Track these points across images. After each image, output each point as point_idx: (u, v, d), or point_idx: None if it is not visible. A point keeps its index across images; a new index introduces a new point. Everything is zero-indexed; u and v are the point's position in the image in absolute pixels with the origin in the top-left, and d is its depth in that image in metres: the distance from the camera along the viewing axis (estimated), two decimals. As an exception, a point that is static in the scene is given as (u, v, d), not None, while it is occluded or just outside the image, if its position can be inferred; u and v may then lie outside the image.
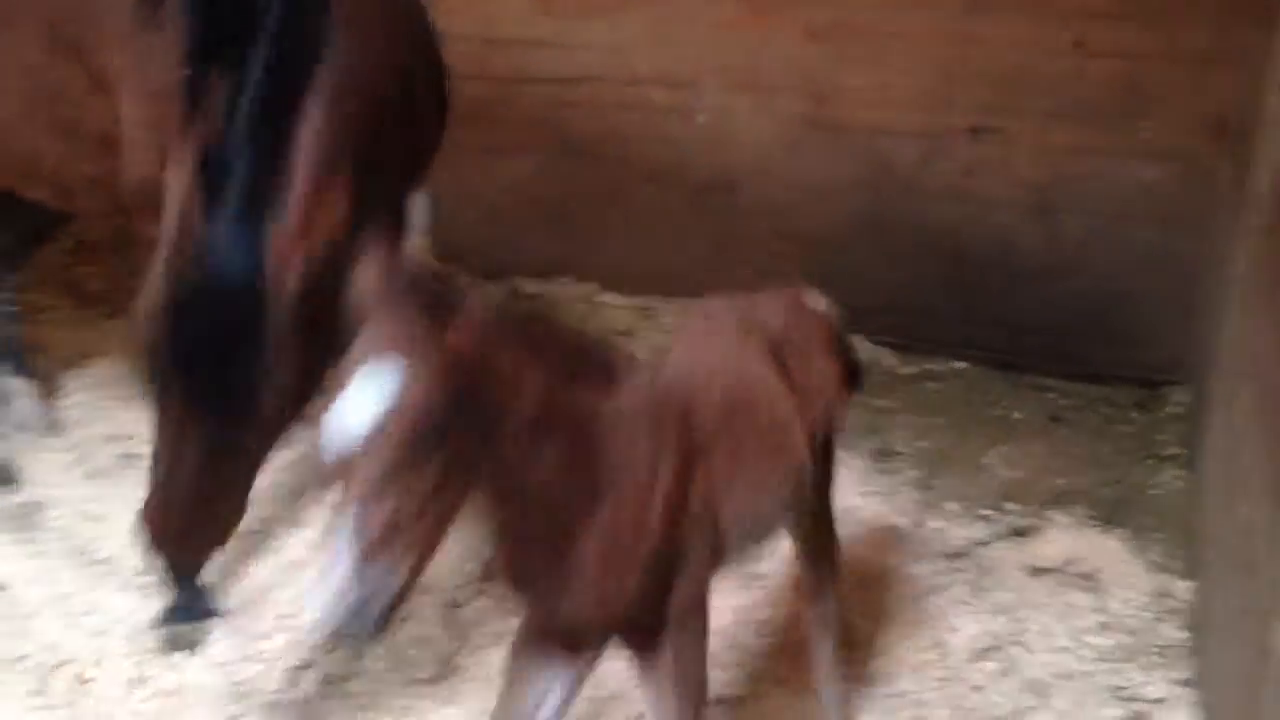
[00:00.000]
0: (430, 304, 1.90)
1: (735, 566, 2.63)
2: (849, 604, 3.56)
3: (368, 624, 1.85)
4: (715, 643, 2.46)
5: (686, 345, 2.69)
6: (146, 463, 4.03)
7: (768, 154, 5.24)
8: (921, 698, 3.26)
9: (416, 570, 1.89)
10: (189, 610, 3.44)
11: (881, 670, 3.35)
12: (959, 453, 4.45)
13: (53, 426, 4.37)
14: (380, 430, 1.82)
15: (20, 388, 4.41)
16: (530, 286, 5.64)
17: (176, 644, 3.38)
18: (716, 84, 5.26)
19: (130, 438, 4.28)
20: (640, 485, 2.22)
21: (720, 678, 3.29)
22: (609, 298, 5.56)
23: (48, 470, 4.13)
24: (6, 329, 4.45)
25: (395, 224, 3.63)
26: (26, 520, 3.88)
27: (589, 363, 2.21)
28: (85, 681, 3.25)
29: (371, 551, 1.82)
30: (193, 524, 3.27)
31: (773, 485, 2.58)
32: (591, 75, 5.36)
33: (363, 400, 1.84)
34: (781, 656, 3.41)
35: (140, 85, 3.09)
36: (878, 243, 5.16)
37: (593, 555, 2.17)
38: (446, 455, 1.86)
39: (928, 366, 5.06)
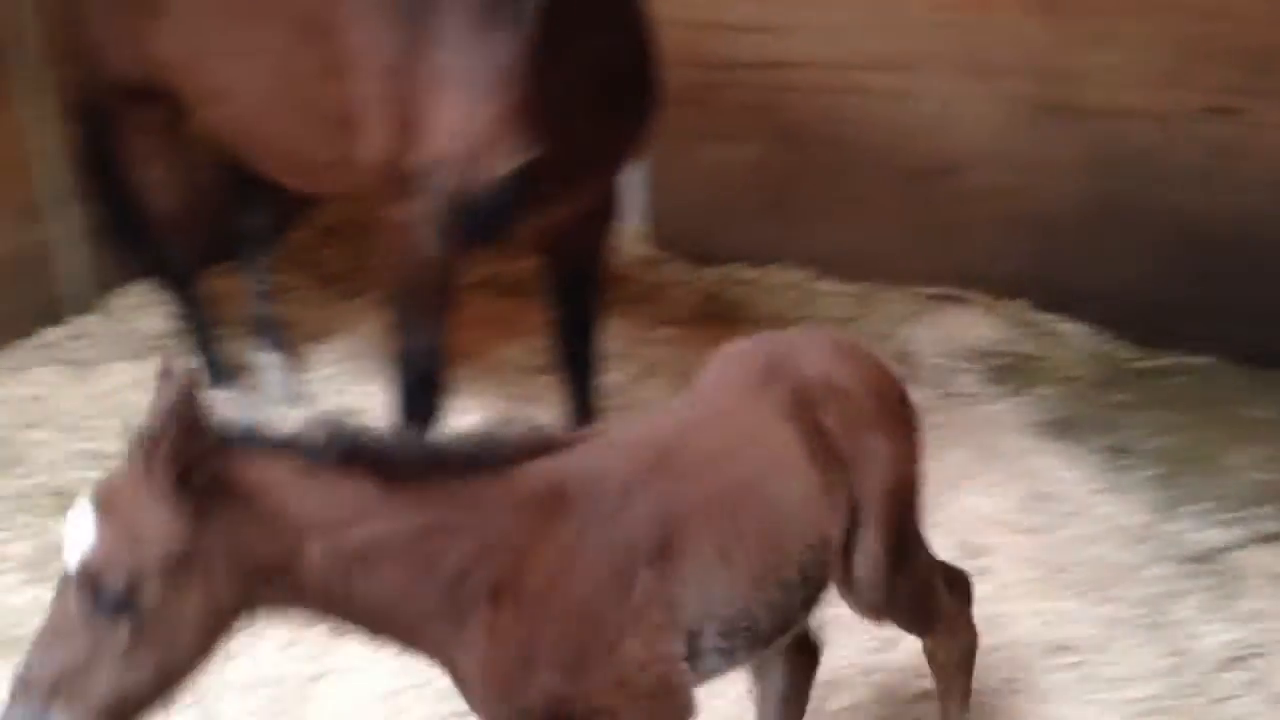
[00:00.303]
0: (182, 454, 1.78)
1: (745, 663, 2.35)
2: (1075, 606, 3.47)
3: None
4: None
5: (690, 396, 2.41)
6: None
7: (992, 137, 5.10)
8: (1161, 705, 3.12)
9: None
10: None
11: (1120, 676, 3.22)
12: (1200, 452, 4.22)
13: (298, 399, 4.64)
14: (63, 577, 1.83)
15: (271, 361, 4.71)
16: (745, 273, 5.66)
17: None
18: (937, 67, 5.14)
19: (367, 411, 4.51)
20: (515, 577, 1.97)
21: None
22: (826, 284, 5.51)
23: (295, 440, 4.38)
24: (260, 307, 4.75)
25: (606, 208, 3.69)
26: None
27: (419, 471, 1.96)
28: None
29: (27, 698, 1.79)
30: None
31: (774, 569, 2.19)
32: (808, 60, 5.32)
33: (71, 539, 1.83)
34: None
35: (377, 64, 3.21)
36: (1110, 229, 4.96)
37: (476, 663, 2.00)
38: (140, 619, 1.79)
39: (1166, 360, 4.82)
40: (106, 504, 1.83)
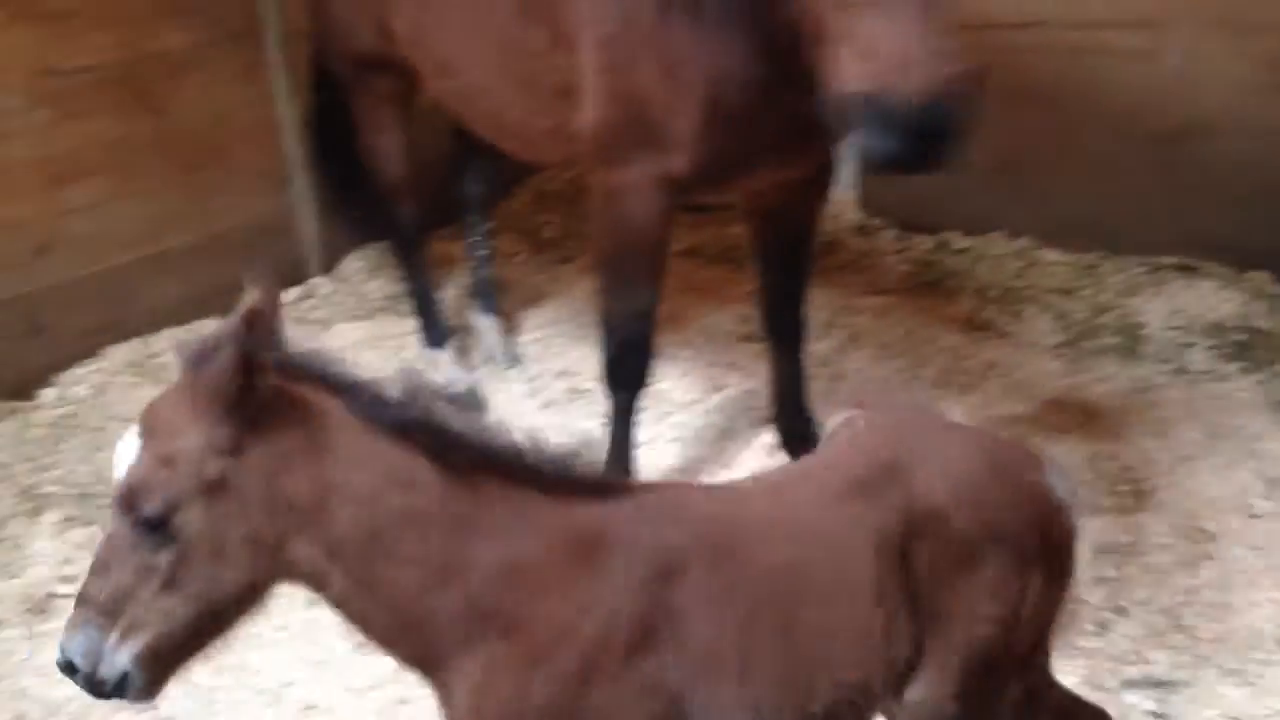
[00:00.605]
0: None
1: None
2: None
3: (104, 693, 1.80)
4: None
5: (793, 474, 2.24)
6: (590, 397, 4.43)
7: (1242, 100, 4.78)
8: (1403, 707, 2.90)
9: (154, 651, 1.78)
10: None
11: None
12: None
13: (513, 360, 4.81)
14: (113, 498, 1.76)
15: (488, 324, 4.89)
16: (960, 241, 5.51)
17: None
18: (1185, 24, 4.83)
19: (577, 373, 4.64)
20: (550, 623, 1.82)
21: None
22: (1048, 253, 5.31)
23: (507, 400, 4.55)
24: (480, 270, 4.94)
25: (824, 174, 3.64)
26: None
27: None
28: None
29: (87, 619, 1.77)
30: None
31: (793, 700, 1.94)
32: (1045, 19, 5.10)
33: (118, 460, 1.78)
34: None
35: (597, 35, 3.27)
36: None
37: (468, 694, 1.85)
38: (180, 546, 1.74)
39: None
40: (151, 426, 1.77)
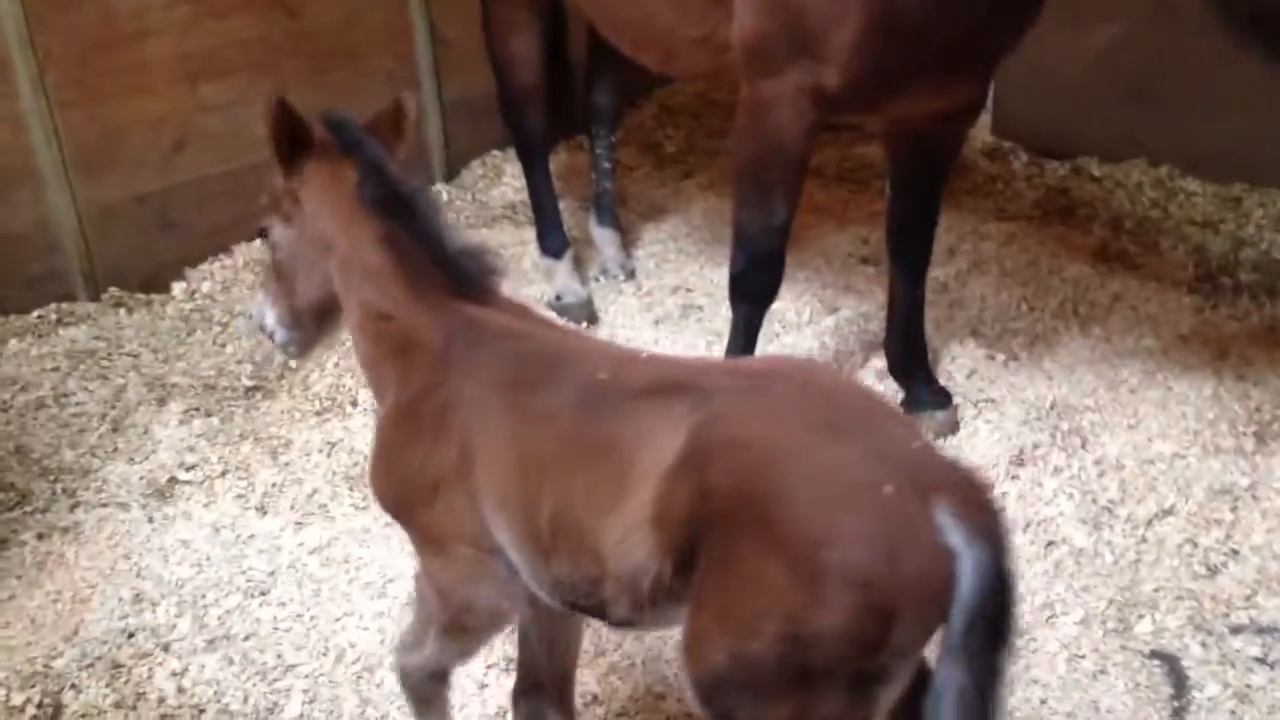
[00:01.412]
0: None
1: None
2: None
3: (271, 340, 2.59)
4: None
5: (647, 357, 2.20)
6: (703, 314, 4.43)
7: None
8: None
9: (280, 318, 2.51)
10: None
11: None
12: None
13: (629, 274, 4.82)
14: None
15: (607, 237, 4.90)
16: (1096, 169, 5.30)
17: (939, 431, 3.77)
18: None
19: (691, 290, 4.63)
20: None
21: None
22: (1188, 183, 5.09)
23: (621, 313, 4.57)
24: (602, 182, 4.94)
25: (975, 101, 3.54)
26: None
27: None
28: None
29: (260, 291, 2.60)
30: None
31: (547, 553, 2.05)
32: (1195, -64, 4.81)
33: None
34: None
35: None
36: None
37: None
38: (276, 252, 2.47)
39: None
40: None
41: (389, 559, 3.33)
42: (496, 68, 4.62)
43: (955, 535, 1.70)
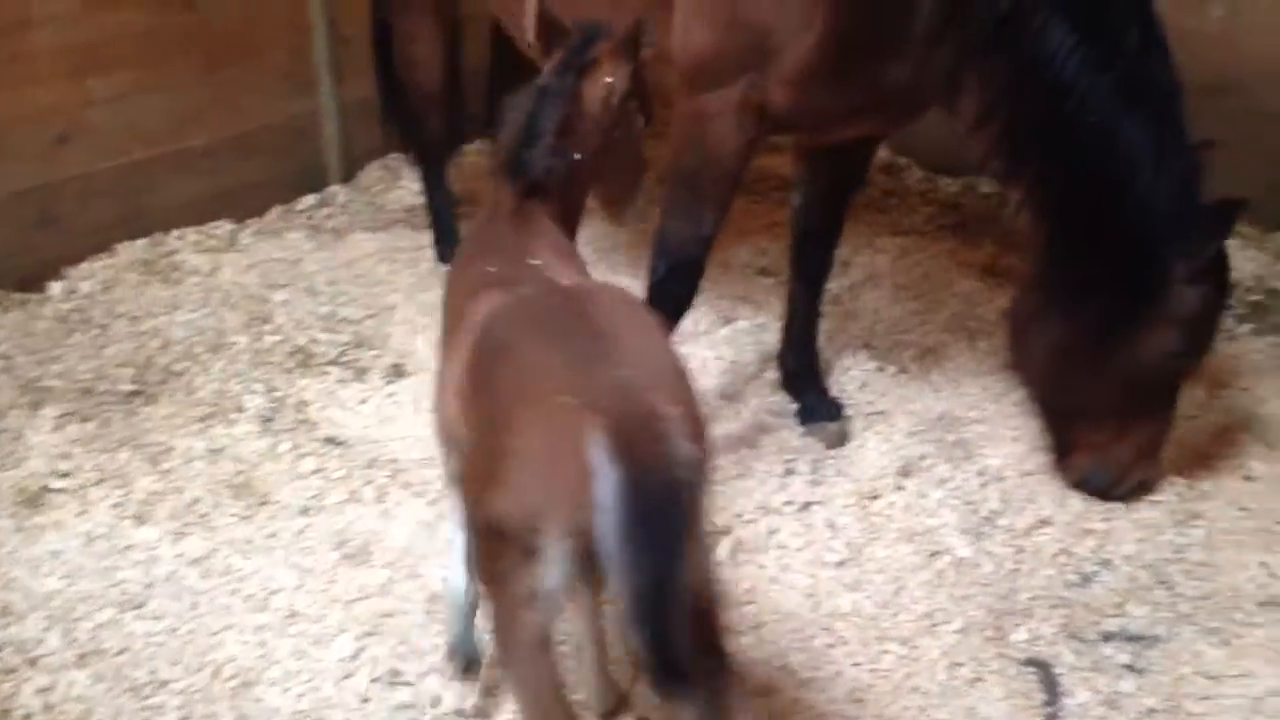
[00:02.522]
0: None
1: None
2: None
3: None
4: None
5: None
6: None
7: (1280, 59, 4.63)
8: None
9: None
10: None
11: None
12: None
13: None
14: None
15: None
16: (986, 186, 5.38)
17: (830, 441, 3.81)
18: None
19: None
20: None
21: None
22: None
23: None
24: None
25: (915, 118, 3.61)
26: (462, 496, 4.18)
27: None
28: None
29: None
30: None
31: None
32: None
33: None
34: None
35: None
36: None
37: None
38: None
39: None
40: None
41: (272, 570, 3.27)
42: (394, 73, 4.58)
43: (598, 454, 1.83)
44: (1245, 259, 4.63)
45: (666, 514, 1.85)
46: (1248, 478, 3.58)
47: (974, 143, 3.24)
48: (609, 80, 2.61)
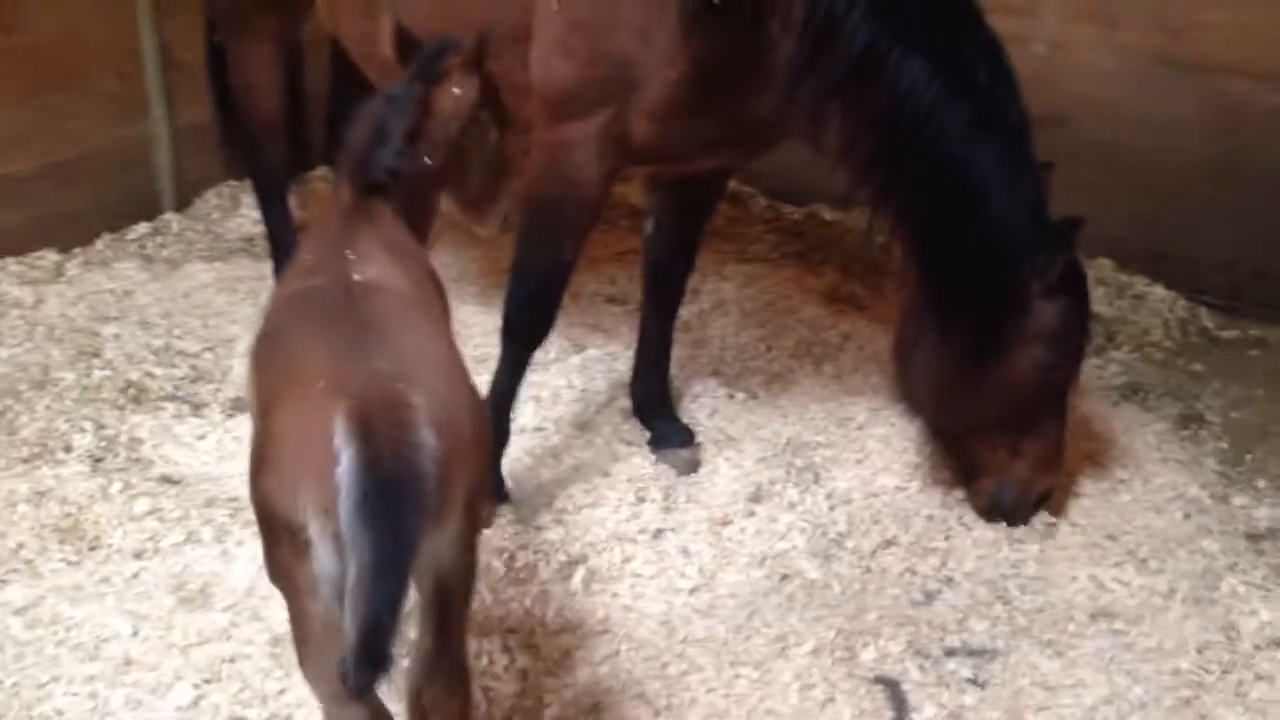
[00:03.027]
0: None
1: None
2: (1124, 574, 3.40)
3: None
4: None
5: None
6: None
7: (1108, 89, 4.91)
8: (1201, 680, 3.05)
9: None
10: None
11: (1160, 646, 3.15)
12: (1273, 428, 4.08)
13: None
14: None
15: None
16: (828, 214, 5.56)
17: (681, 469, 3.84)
18: (1057, 12, 4.94)
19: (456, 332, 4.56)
20: None
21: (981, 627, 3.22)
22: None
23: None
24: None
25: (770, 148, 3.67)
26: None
27: None
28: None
29: None
30: None
31: None
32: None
33: None
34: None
35: None
36: (1221, 193, 4.77)
37: None
38: None
39: (1254, 332, 4.65)
40: None
41: (104, 618, 3.10)
42: (229, 99, 4.47)
43: (340, 434, 1.90)
44: (1069, 285, 4.87)
45: (400, 499, 1.88)
46: (1077, 494, 3.74)
47: (839, 174, 3.31)
48: (457, 91, 2.69)
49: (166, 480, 3.64)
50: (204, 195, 5.34)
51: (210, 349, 4.33)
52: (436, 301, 2.47)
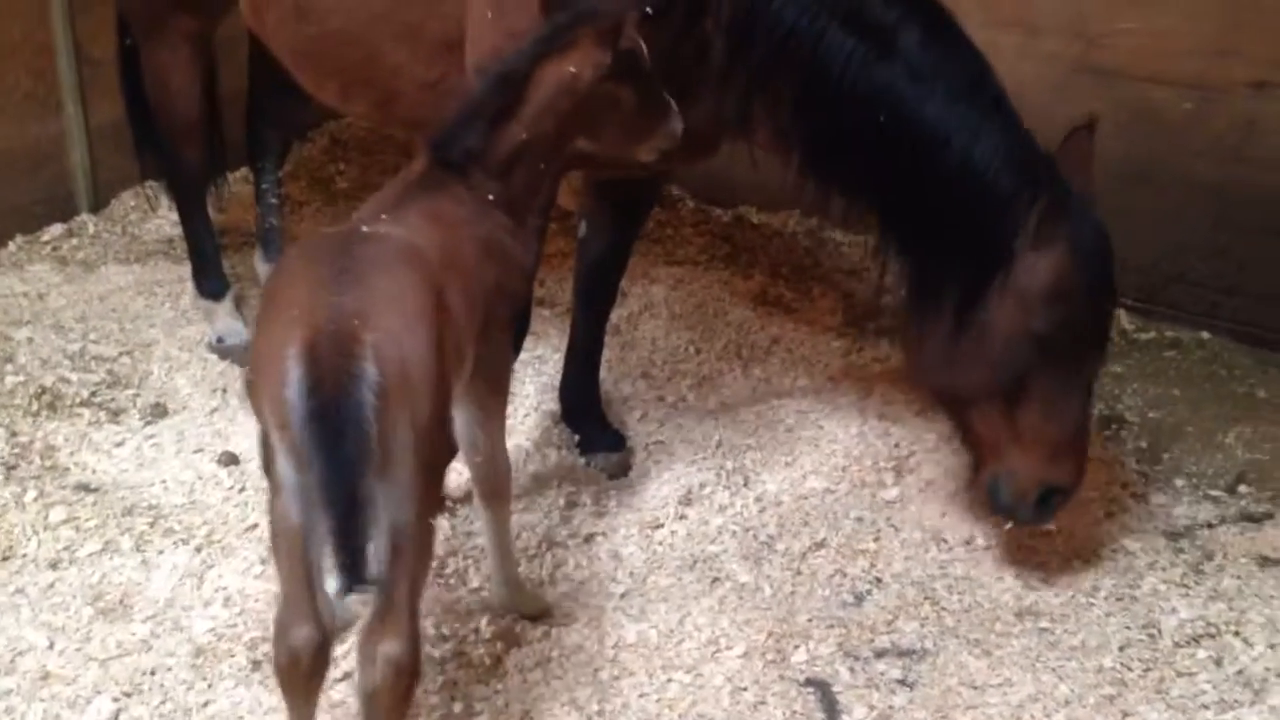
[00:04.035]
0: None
1: None
2: (1048, 573, 3.45)
3: None
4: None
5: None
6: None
7: (1030, 96, 4.95)
8: (1123, 677, 3.11)
9: None
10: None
11: (1084, 645, 3.21)
12: (1193, 428, 4.17)
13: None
14: None
15: (272, 274, 4.68)
16: (756, 217, 5.59)
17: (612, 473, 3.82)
18: (979, 19, 4.99)
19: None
20: None
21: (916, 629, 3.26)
22: (836, 234, 5.43)
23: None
24: (270, 218, 4.72)
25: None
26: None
27: None
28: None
29: None
30: None
31: None
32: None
33: None
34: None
35: None
36: (1136, 197, 4.85)
37: None
38: None
39: (1170, 334, 4.76)
40: None
41: (18, 630, 3.02)
42: (143, 100, 4.37)
43: (291, 358, 2.13)
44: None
45: (341, 422, 2.09)
46: (1001, 495, 3.79)
47: (787, 169, 3.25)
48: (572, 70, 2.70)
49: (83, 488, 3.55)
50: (120, 196, 5.20)
51: (128, 353, 4.23)
52: (468, 268, 2.55)
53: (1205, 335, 4.72)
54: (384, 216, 2.53)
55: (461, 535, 3.48)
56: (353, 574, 2.08)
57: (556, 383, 4.10)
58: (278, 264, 2.60)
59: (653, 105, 2.86)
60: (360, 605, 2.42)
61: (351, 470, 2.07)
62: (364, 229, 2.48)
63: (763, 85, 3.15)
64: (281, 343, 2.17)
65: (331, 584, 2.21)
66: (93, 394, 3.98)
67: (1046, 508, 3.29)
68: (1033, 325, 3.10)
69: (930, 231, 3.19)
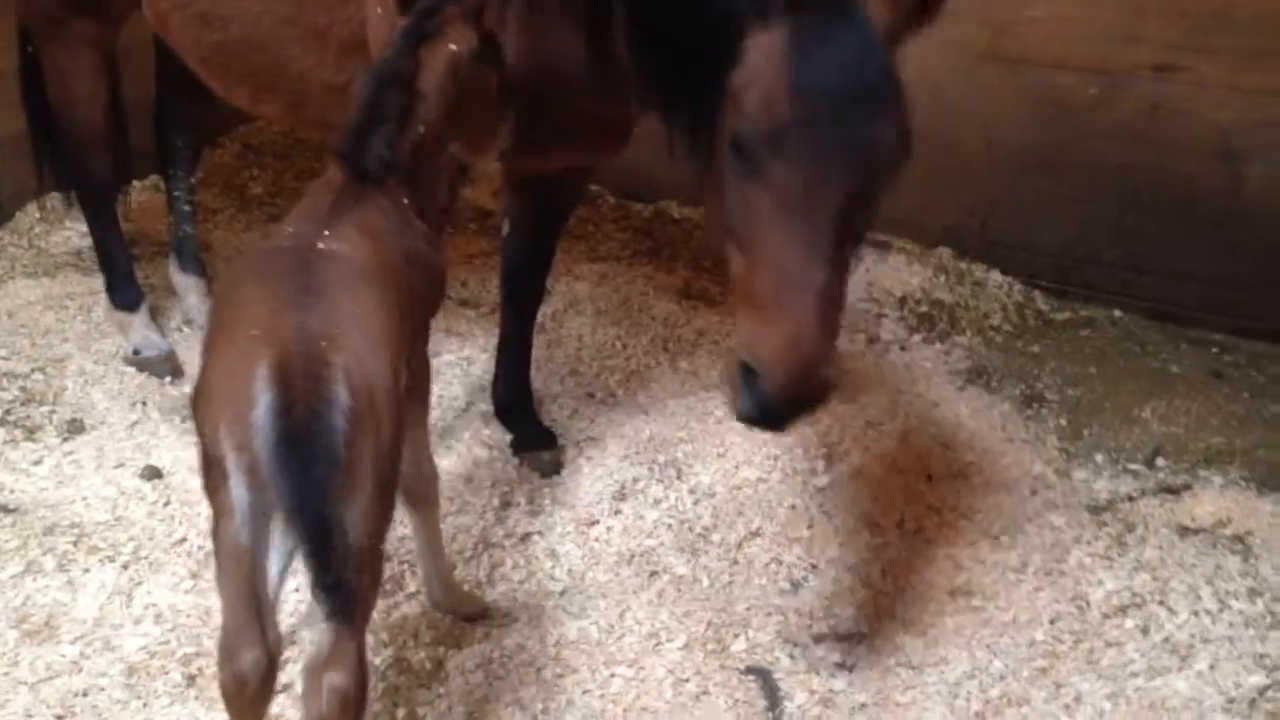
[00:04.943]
0: None
1: None
2: (977, 552, 3.52)
3: None
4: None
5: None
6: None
7: (936, 84, 5.06)
8: (1055, 650, 3.19)
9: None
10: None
11: (1016, 620, 3.28)
12: (1111, 404, 4.29)
13: (215, 323, 4.53)
14: None
15: (190, 285, 4.59)
16: (677, 212, 5.63)
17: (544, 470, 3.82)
18: (886, 7, 5.06)
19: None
20: None
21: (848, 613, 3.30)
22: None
23: (209, 364, 4.29)
24: (183, 226, 4.62)
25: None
26: (189, 410, 4.05)
27: None
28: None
29: None
30: None
31: None
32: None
33: None
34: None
35: None
36: (1046, 181, 4.98)
37: None
38: None
39: (1084, 313, 4.89)
40: None
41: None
42: (45, 110, 4.25)
43: (260, 380, 2.08)
44: (910, 274, 5.04)
45: (310, 447, 2.05)
46: (929, 477, 3.86)
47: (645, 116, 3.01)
48: (453, 49, 2.63)
49: (1, 509, 3.44)
50: (25, 208, 5.04)
51: (40, 369, 4.11)
52: (401, 281, 2.47)
53: (1118, 313, 4.86)
54: (326, 233, 2.45)
55: (396, 540, 3.45)
56: (334, 600, 2.04)
57: (485, 383, 4.08)
58: (224, 280, 2.56)
59: (503, 96, 2.80)
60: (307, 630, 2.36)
61: (324, 494, 2.03)
62: (319, 245, 2.40)
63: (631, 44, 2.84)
64: (246, 363, 2.10)
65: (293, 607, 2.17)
66: (6, 412, 3.86)
67: (750, 396, 2.50)
68: (740, 130, 2.42)
69: (664, 32, 2.71)
